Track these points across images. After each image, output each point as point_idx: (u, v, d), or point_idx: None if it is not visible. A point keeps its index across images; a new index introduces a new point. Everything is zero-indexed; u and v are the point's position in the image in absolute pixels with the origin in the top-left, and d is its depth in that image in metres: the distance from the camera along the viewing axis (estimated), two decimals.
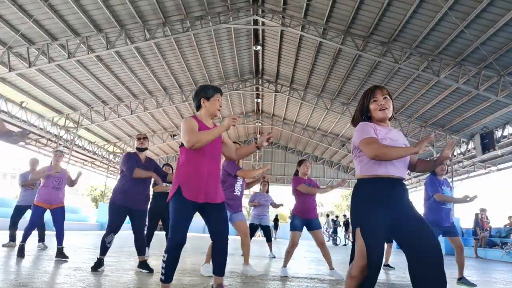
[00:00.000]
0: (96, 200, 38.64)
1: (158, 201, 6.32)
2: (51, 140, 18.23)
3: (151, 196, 6.53)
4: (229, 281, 3.91)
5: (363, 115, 2.32)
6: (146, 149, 4.43)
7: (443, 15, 9.35)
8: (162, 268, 2.55)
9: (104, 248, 4.10)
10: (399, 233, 2.07)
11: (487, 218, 14.09)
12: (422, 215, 4.49)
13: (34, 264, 4.41)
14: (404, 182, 2.20)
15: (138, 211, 4.25)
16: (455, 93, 13.16)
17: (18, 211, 6.83)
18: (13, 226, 6.72)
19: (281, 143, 27.82)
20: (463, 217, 16.93)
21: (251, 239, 8.20)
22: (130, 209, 4.17)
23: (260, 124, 24.04)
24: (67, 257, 4.96)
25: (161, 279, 2.57)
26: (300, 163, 4.97)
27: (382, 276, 5.48)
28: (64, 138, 18.04)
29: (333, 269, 4.73)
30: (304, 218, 4.73)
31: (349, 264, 2.20)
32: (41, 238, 6.69)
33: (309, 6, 11.33)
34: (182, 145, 2.65)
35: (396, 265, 6.85)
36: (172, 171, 6.39)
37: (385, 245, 7.16)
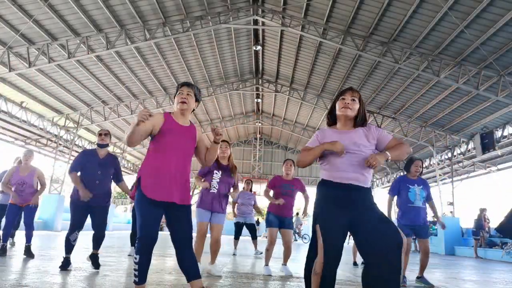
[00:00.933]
0: None
1: None
2: (51, 140, 18.21)
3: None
4: (229, 281, 3.91)
5: (330, 112, 2.43)
6: (107, 145, 4.36)
7: (443, 15, 9.35)
8: (135, 270, 2.41)
9: (69, 246, 4.11)
10: (356, 234, 2.13)
11: (487, 218, 14.10)
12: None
13: (34, 264, 4.41)
14: (360, 186, 2.19)
15: (98, 207, 4.19)
16: (455, 93, 13.16)
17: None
18: None
19: (281, 143, 27.82)
20: (462, 217, 16.89)
21: (238, 237, 8.34)
22: (89, 205, 4.13)
23: (260, 124, 24.04)
24: (33, 255, 5.00)
25: (134, 281, 2.43)
26: (283, 163, 5.11)
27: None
28: (64, 138, 18.03)
29: (285, 265, 4.85)
30: (278, 215, 4.79)
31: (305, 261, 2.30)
32: (11, 235, 6.62)
33: (309, 6, 11.33)
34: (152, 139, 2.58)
35: None
36: None
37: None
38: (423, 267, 4.59)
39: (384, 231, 2.05)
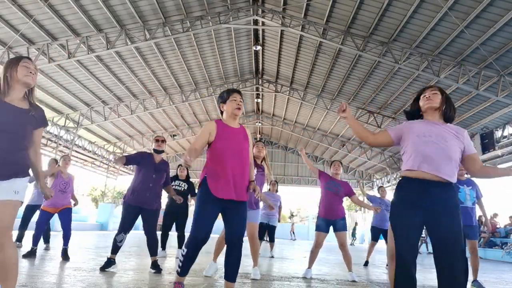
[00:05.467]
0: (96, 200, 38.65)
1: (173, 200, 6.31)
2: (51, 140, 18.22)
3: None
4: None
5: (416, 114, 2.44)
6: (163, 151, 4.49)
7: (443, 15, 9.35)
8: (180, 261, 2.63)
9: (115, 247, 4.18)
10: (431, 234, 2.11)
11: (495, 220, 14.26)
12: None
13: (34, 264, 4.41)
14: (444, 183, 2.14)
15: (149, 210, 4.24)
16: (455, 93, 13.15)
17: (29, 211, 6.86)
18: (23, 226, 6.75)
19: (281, 143, 27.82)
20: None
21: (262, 238, 8.25)
22: (142, 208, 4.19)
23: (260, 124, 24.04)
24: (68, 258, 5.02)
25: (177, 271, 2.66)
26: (330, 164, 5.06)
27: (380, 275, 5.48)
28: (64, 138, 18.04)
29: (351, 271, 4.68)
30: (328, 218, 4.70)
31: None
32: (46, 240, 6.69)
33: (309, 6, 11.34)
34: (209, 145, 2.77)
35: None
36: (187, 172, 6.43)
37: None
38: (475, 269, 4.51)
39: (452, 245, 2.03)
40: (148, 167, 4.30)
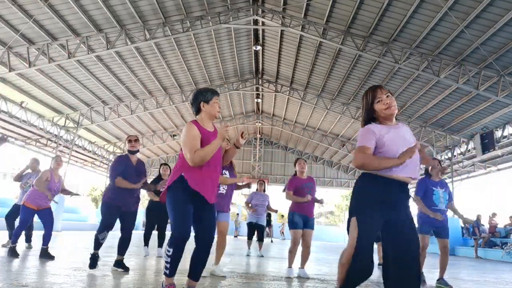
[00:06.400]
0: (96, 200, 38.65)
1: (155, 201, 6.36)
2: (51, 140, 18.21)
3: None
4: (229, 281, 3.91)
5: (369, 116, 2.36)
6: (137, 151, 4.35)
7: (443, 15, 9.35)
8: (166, 262, 2.59)
9: (98, 243, 4.15)
10: (386, 232, 2.14)
11: (494, 220, 14.26)
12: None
13: (34, 264, 4.41)
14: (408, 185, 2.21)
15: (128, 212, 4.23)
16: (455, 93, 13.16)
17: (16, 211, 6.83)
18: (11, 225, 6.72)
19: (281, 143, 27.81)
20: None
21: (251, 237, 8.30)
22: (122, 210, 4.18)
23: (260, 124, 24.03)
24: (53, 257, 4.92)
25: (165, 273, 2.62)
26: (295, 162, 4.99)
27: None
28: (64, 138, 18.03)
29: (303, 268, 4.73)
30: (304, 214, 4.69)
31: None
32: (28, 239, 6.65)
33: (309, 6, 11.33)
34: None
35: None
36: (170, 171, 6.41)
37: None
38: (443, 268, 4.53)
39: (410, 238, 2.09)
40: (129, 170, 4.21)
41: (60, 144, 17.86)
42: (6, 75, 12.41)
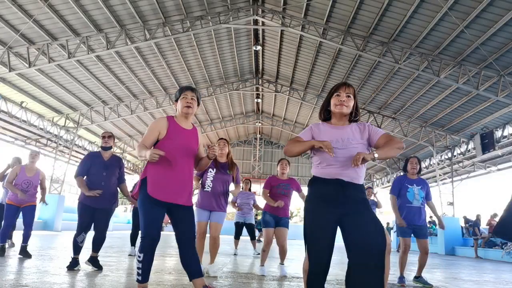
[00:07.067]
0: None
1: None
2: (51, 140, 18.20)
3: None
4: (229, 281, 3.91)
5: (324, 108, 2.37)
6: (110, 147, 4.40)
7: (443, 15, 9.35)
8: (138, 268, 2.50)
9: (77, 247, 4.14)
10: (344, 231, 2.09)
11: (495, 222, 14.23)
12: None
13: (34, 264, 4.41)
14: (350, 183, 2.12)
15: (101, 209, 4.20)
16: (455, 93, 13.16)
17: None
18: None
19: (281, 143, 27.82)
20: (462, 217, 16.85)
21: (238, 237, 8.32)
22: (95, 208, 4.17)
23: (260, 124, 24.03)
24: (30, 256, 4.95)
25: (137, 280, 2.53)
26: (278, 162, 5.01)
27: None
28: (64, 138, 18.03)
29: (282, 264, 4.77)
30: (275, 214, 4.73)
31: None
32: (9, 236, 6.63)
33: (309, 6, 11.33)
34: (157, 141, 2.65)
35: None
36: None
37: None
38: (421, 267, 4.57)
39: (371, 232, 2.00)
40: (97, 166, 4.23)
41: (60, 144, 17.85)
42: (6, 75, 12.41)
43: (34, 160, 5.39)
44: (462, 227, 16.20)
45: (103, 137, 4.40)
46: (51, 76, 13.66)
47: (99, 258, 4.30)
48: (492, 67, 10.63)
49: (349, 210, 2.08)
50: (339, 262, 7.26)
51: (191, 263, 2.57)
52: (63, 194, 17.12)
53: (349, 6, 10.50)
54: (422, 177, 4.84)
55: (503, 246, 12.69)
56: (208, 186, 4.28)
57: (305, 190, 4.70)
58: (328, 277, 4.92)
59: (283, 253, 4.79)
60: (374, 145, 2.23)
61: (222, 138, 4.58)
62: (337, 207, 2.08)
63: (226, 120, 23.03)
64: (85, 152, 21.06)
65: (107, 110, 17.22)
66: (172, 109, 19.13)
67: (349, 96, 2.24)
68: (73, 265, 4.05)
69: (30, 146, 18.52)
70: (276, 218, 4.74)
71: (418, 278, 4.60)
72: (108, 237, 4.30)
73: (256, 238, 9.29)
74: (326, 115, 2.37)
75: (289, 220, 4.93)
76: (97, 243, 4.25)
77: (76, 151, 20.31)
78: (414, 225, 4.52)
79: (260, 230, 13.59)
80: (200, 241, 4.21)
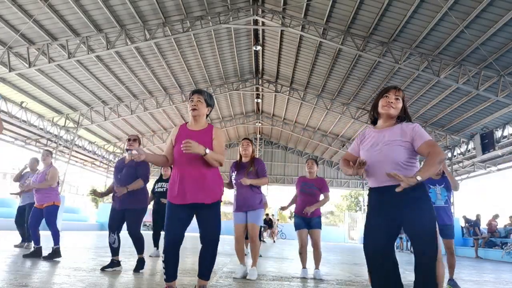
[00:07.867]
0: (96, 200, 38.62)
1: (159, 199, 6.40)
2: (51, 140, 18.20)
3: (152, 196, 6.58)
4: (229, 281, 3.91)
5: (373, 110, 2.42)
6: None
7: (443, 15, 9.35)
8: (163, 268, 2.67)
9: (111, 248, 4.24)
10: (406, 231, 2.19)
11: (496, 221, 14.29)
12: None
13: (34, 264, 4.41)
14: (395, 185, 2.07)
15: (128, 210, 4.22)
16: (455, 93, 13.16)
17: (22, 212, 6.91)
18: (22, 227, 6.79)
19: (281, 143, 27.81)
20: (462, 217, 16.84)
21: (247, 237, 8.26)
22: (118, 209, 4.21)
23: (260, 124, 24.03)
24: (60, 256, 5.05)
25: (164, 279, 2.70)
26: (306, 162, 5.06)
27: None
28: (64, 138, 18.03)
29: (318, 269, 4.70)
30: (302, 215, 4.70)
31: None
32: (28, 238, 6.63)
33: (309, 6, 11.33)
34: None
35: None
36: (171, 171, 6.41)
37: None
38: (451, 268, 4.42)
39: (420, 241, 2.07)
40: (116, 170, 4.38)
41: (60, 144, 17.85)
42: (6, 75, 12.40)
43: (43, 160, 5.48)
44: (462, 227, 16.19)
45: (128, 139, 4.41)
46: (51, 76, 13.66)
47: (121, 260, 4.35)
48: (492, 67, 10.63)
49: (402, 215, 2.18)
50: (339, 262, 7.26)
51: (203, 263, 2.74)
52: (63, 194, 17.10)
53: (349, 6, 10.50)
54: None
55: (503, 246, 12.70)
56: (235, 190, 4.37)
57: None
58: (328, 277, 4.91)
59: (317, 257, 4.72)
60: (416, 150, 2.23)
61: (246, 138, 4.64)
62: (390, 213, 2.19)
63: (226, 120, 23.03)
64: (85, 152, 21.08)
65: (107, 110, 17.22)
66: (172, 109, 19.19)
67: (397, 99, 2.27)
68: (107, 266, 4.15)
69: (30, 146, 18.54)
70: (306, 220, 4.70)
71: (450, 281, 4.43)
72: (121, 237, 4.30)
73: (261, 239, 9.25)
74: (374, 116, 2.43)
75: (320, 220, 4.81)
76: (135, 245, 4.31)
77: (76, 151, 20.31)
78: (439, 225, 4.43)
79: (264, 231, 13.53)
80: (237, 244, 4.31)
